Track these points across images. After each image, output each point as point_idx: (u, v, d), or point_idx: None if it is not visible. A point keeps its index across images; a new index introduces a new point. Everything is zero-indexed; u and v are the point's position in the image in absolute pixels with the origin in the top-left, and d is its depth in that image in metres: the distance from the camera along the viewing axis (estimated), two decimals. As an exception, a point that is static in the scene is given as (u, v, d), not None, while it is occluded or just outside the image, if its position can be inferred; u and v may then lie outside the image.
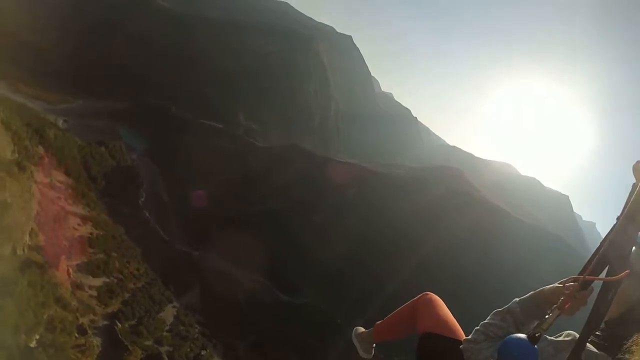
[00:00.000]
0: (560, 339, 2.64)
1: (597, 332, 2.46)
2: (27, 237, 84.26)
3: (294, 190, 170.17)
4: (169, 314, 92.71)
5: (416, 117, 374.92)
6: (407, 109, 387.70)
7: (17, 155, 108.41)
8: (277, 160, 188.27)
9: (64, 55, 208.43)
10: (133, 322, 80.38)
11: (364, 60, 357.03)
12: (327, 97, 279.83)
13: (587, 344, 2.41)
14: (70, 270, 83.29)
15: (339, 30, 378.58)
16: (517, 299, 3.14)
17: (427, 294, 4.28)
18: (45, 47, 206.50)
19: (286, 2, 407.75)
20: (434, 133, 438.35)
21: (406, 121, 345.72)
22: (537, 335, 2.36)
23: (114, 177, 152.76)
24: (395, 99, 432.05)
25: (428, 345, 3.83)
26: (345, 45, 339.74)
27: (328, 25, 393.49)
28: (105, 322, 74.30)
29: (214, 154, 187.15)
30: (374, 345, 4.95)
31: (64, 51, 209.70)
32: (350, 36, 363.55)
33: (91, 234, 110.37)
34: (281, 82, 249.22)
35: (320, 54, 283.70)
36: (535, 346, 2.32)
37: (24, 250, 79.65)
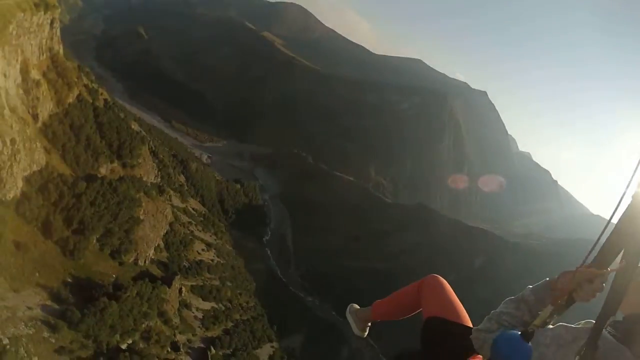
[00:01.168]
0: (579, 326, 2.56)
1: (616, 326, 2.35)
2: (151, 251, 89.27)
3: (418, 252, 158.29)
4: (265, 352, 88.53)
5: (556, 181, 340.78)
6: (546, 170, 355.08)
7: (159, 179, 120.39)
8: (404, 218, 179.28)
9: (221, 102, 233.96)
10: (228, 352, 77.79)
11: (500, 117, 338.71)
12: (461, 156, 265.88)
13: (606, 334, 2.32)
14: (184, 289, 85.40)
15: (473, 86, 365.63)
16: (530, 287, 3.01)
17: (433, 276, 4.02)
18: (206, 94, 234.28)
19: (420, 60, 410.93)
20: (576, 199, 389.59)
21: (545, 185, 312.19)
22: (530, 331, 2.27)
23: (245, 213, 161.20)
24: (534, 159, 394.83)
25: (434, 329, 3.65)
26: (480, 102, 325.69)
27: (462, 81, 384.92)
28: (202, 345, 73.08)
29: (342, 206, 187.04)
30: (370, 324, 4.65)
31: (221, 99, 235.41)
32: (485, 92, 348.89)
33: (212, 260, 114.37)
34: (415, 139, 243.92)
35: (454, 111, 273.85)
36: (530, 343, 2.24)
37: (145, 262, 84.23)
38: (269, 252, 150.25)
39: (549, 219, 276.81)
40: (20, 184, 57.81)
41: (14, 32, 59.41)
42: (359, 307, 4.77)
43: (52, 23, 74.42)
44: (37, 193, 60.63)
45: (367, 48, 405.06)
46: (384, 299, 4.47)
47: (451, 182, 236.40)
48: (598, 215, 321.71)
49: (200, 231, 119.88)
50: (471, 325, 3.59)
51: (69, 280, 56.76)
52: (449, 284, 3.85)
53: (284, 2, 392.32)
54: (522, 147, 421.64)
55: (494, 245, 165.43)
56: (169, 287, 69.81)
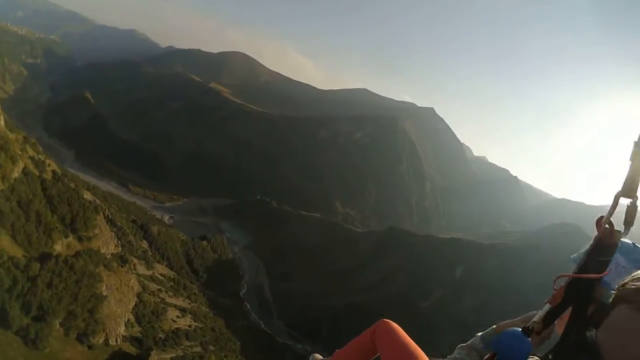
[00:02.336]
0: None
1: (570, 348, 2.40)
2: (121, 328, 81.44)
3: (399, 275, 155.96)
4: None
5: (516, 176, 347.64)
6: (504, 169, 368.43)
7: (120, 249, 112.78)
8: (378, 244, 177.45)
9: (176, 159, 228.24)
10: None
11: (450, 129, 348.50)
12: (421, 174, 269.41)
13: None
14: (163, 364, 77.95)
15: (420, 105, 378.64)
16: (479, 334, 3.24)
17: (384, 321, 4.08)
18: (160, 152, 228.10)
19: (365, 89, 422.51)
20: (537, 189, 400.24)
21: (506, 183, 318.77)
22: (530, 328, 2.49)
23: (216, 270, 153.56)
24: (490, 161, 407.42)
25: None
26: (429, 118, 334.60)
27: (409, 102, 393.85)
28: None
29: (314, 244, 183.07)
30: None
31: (176, 156, 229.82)
32: (432, 108, 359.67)
33: (190, 326, 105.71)
34: (374, 165, 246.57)
35: (407, 132, 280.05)
36: (529, 339, 2.45)
37: (117, 340, 76.44)
38: (248, 306, 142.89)
39: (517, 213, 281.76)
40: (-35, 274, 51.25)
41: (-57, 109, 54.16)
42: (321, 358, 4.79)
43: (-14, 96, 69.20)
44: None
45: (314, 85, 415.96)
46: (342, 348, 4.48)
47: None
48: (563, 198, 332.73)
49: (171, 297, 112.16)
50: None
51: (33, 374, 49.83)
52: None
53: (228, 52, 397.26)
54: (477, 152, 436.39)
55: (471, 251, 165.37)
56: (147, 364, 62.85)
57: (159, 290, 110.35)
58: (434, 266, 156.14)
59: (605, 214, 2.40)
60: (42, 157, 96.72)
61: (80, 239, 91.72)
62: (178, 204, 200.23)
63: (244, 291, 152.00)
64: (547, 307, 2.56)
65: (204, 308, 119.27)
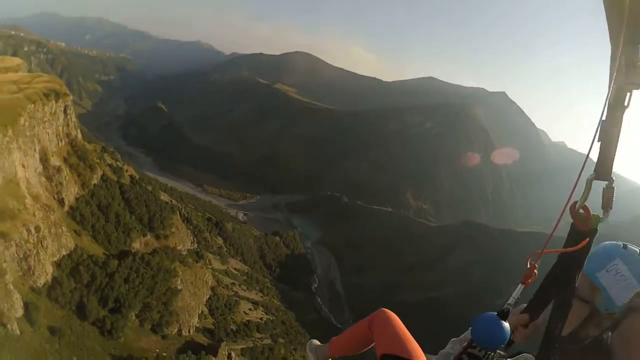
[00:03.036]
0: None
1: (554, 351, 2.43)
2: (195, 320, 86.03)
3: (473, 272, 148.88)
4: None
5: None
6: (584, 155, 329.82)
7: (196, 245, 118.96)
8: (452, 239, 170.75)
9: (248, 159, 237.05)
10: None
11: (524, 114, 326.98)
12: (496, 163, 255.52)
13: None
14: (234, 354, 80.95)
15: (490, 90, 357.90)
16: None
17: (383, 311, 4.03)
18: (233, 153, 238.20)
19: (432, 77, 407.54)
20: (623, 177, 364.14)
21: (588, 170, 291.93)
22: (505, 310, 2.40)
23: (288, 265, 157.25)
24: (569, 146, 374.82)
25: None
26: (501, 103, 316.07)
27: (478, 88, 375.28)
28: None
29: (387, 239, 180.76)
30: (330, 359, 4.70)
31: (248, 156, 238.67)
32: (504, 92, 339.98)
33: (261, 318, 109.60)
34: (446, 156, 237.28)
35: (478, 119, 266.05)
36: (507, 322, 2.38)
37: (189, 331, 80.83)
38: (319, 300, 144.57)
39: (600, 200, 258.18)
40: (50, 269, 56.74)
41: (27, 124, 60.38)
42: (319, 344, 4.77)
43: (65, 110, 76.23)
44: (68, 277, 59.36)
45: (379, 78, 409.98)
46: (339, 335, 4.46)
47: (463, 160, 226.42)
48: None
49: (245, 291, 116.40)
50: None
51: (108, 361, 54.02)
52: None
53: (290, 53, 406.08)
54: (554, 138, 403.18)
55: (551, 246, 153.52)
56: (215, 356, 65.48)
57: (233, 284, 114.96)
58: (511, 262, 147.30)
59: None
60: (119, 163, 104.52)
61: (157, 237, 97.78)
62: (251, 202, 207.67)
63: (316, 285, 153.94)
64: (519, 287, 2.45)
65: (275, 301, 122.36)
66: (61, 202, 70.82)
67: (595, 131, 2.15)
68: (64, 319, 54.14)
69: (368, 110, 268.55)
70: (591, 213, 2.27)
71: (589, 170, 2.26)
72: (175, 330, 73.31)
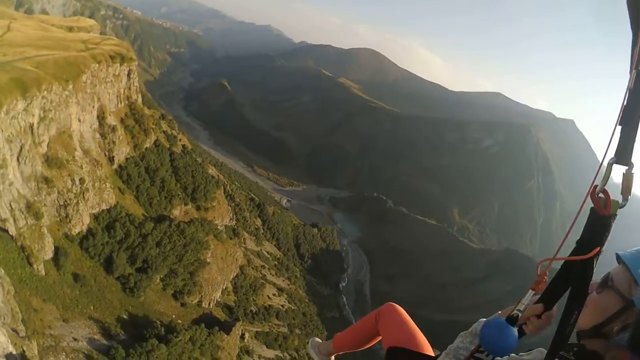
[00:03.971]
0: (529, 357, 2.62)
1: (567, 348, 2.39)
2: (217, 294, 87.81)
3: (508, 302, 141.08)
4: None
5: None
6: None
7: (235, 222, 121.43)
8: (492, 265, 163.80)
9: (302, 148, 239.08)
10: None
11: (591, 147, 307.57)
12: (552, 193, 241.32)
13: None
14: (247, 335, 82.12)
15: (558, 115, 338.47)
16: (483, 319, 3.10)
17: (390, 304, 4.13)
18: (288, 140, 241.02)
19: (499, 93, 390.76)
20: None
21: None
22: (514, 316, 2.39)
23: (321, 258, 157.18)
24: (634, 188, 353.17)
25: (396, 359, 3.75)
26: (567, 131, 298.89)
27: (546, 112, 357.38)
28: (258, 398, 68.38)
29: (424, 251, 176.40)
30: (333, 356, 4.79)
31: (302, 145, 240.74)
32: (572, 120, 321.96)
33: (283, 305, 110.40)
34: (500, 177, 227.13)
35: (540, 143, 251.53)
36: (514, 327, 2.37)
37: (209, 304, 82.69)
38: (344, 299, 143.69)
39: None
40: (86, 220, 59.69)
41: (88, 81, 63.60)
42: (321, 341, 4.87)
43: (129, 74, 79.68)
44: (103, 230, 62.27)
45: (444, 85, 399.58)
46: (344, 331, 4.52)
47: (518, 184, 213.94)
48: None
49: (273, 275, 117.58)
50: (432, 354, 3.66)
51: (125, 317, 56.15)
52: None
53: (357, 48, 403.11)
54: (616, 178, 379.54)
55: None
56: (227, 334, 66.47)
57: (262, 266, 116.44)
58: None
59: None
60: (175, 132, 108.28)
61: (198, 208, 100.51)
62: (297, 190, 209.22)
63: (344, 284, 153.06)
64: (530, 293, 2.42)
65: (301, 292, 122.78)
66: (111, 159, 74.30)
67: (617, 115, 2.11)
68: (90, 269, 56.86)
69: (428, 116, 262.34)
70: (611, 198, 2.21)
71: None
72: (196, 300, 75.24)
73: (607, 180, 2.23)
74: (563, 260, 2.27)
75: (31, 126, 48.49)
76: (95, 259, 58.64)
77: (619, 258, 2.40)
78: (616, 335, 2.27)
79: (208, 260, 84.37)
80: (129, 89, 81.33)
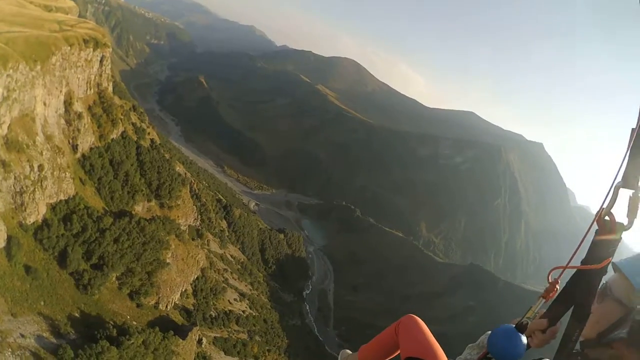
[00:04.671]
0: None
1: (571, 357, 2.43)
2: (176, 296, 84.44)
3: (469, 316, 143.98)
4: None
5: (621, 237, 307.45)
6: None
7: (199, 223, 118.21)
8: (456, 279, 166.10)
9: (274, 151, 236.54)
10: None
11: (557, 171, 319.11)
12: (518, 213, 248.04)
13: None
14: (205, 341, 79.40)
15: (528, 138, 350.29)
16: (490, 332, 3.12)
17: (409, 316, 4.22)
18: (261, 142, 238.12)
19: (473, 112, 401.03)
20: None
21: None
22: (524, 324, 2.42)
23: (286, 265, 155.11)
24: (593, 212, 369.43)
25: None
26: (536, 154, 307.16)
27: (517, 133, 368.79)
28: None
29: (390, 263, 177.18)
30: None
31: (275, 148, 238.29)
32: (541, 143, 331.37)
33: (243, 311, 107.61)
34: (469, 194, 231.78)
35: (510, 164, 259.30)
36: (523, 335, 2.39)
37: (167, 306, 79.48)
38: (307, 307, 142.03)
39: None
40: (42, 210, 56.30)
41: (58, 64, 60.38)
42: (350, 352, 4.98)
43: (102, 60, 76.38)
44: (59, 222, 58.83)
45: (420, 102, 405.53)
46: (368, 343, 4.63)
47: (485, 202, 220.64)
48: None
49: (235, 280, 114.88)
50: None
51: (76, 314, 52.98)
52: None
53: (338, 57, 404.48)
54: (580, 201, 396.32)
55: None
56: (184, 339, 63.91)
57: (225, 270, 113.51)
58: (508, 316, 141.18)
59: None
60: (145, 125, 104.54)
61: (161, 206, 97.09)
62: (266, 194, 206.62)
63: (308, 292, 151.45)
64: (540, 301, 2.46)
65: (263, 298, 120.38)
66: (74, 148, 70.66)
67: (629, 140, 2.15)
68: (43, 262, 53.48)
69: (402, 130, 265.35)
70: (616, 221, 2.25)
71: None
72: (153, 302, 72.11)
73: (613, 205, 2.25)
74: (573, 270, 2.31)
75: (-10, 105, 45.27)
76: (49, 251, 55.23)
77: (615, 267, 2.44)
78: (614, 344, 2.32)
79: (168, 260, 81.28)
80: (100, 76, 77.90)
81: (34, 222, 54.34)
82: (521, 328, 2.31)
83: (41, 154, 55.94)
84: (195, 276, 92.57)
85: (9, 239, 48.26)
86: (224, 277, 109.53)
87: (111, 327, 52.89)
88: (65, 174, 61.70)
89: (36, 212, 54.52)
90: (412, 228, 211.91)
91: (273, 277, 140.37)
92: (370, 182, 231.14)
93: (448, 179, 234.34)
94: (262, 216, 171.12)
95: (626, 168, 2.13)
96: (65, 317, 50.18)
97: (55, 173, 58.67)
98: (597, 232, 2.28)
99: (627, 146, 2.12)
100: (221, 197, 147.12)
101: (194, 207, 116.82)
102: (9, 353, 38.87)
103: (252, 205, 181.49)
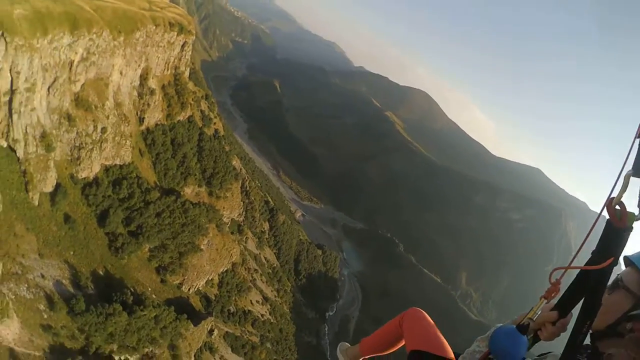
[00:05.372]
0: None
1: (581, 350, 2.48)
2: (201, 282, 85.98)
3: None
4: None
5: None
6: None
7: (243, 219, 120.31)
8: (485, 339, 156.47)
9: (331, 167, 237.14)
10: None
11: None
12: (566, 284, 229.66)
13: None
14: (216, 332, 79.78)
15: (591, 208, 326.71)
16: (499, 324, 3.19)
17: (414, 309, 4.23)
18: (320, 156, 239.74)
19: (539, 170, 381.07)
20: None
21: None
22: (525, 324, 2.48)
23: (316, 281, 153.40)
24: None
25: None
26: (597, 228, 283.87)
27: (580, 201, 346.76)
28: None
29: (421, 306, 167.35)
30: None
31: (332, 164, 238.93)
32: (605, 216, 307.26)
33: (262, 315, 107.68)
34: (518, 254, 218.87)
35: (568, 232, 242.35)
36: (525, 336, 2.44)
37: (189, 290, 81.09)
38: (326, 329, 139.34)
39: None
40: (96, 168, 59.57)
41: (140, 40, 64.36)
42: (349, 345, 4.99)
43: (183, 46, 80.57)
44: (109, 184, 61.96)
45: (487, 147, 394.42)
46: (370, 335, 4.67)
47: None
48: None
49: (263, 282, 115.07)
50: (453, 358, 3.76)
51: (100, 272, 55.14)
52: None
53: (412, 87, 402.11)
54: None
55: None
56: (195, 325, 64.56)
57: (255, 270, 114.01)
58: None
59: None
60: (212, 115, 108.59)
61: (210, 194, 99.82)
62: (314, 207, 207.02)
63: (331, 314, 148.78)
64: (542, 302, 2.54)
65: (285, 307, 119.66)
66: (141, 120, 74.61)
67: (637, 128, 2.11)
68: (84, 216, 56.34)
69: (463, 173, 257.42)
70: (627, 210, 2.23)
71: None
72: (178, 281, 73.69)
73: (623, 194, 2.21)
74: (577, 270, 2.29)
75: (71, 63, 48.94)
76: (92, 208, 58.23)
77: (627, 260, 2.53)
78: (628, 333, 2.31)
79: (202, 246, 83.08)
80: (179, 59, 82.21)
81: (84, 178, 57.58)
82: (522, 329, 2.34)
83: (107, 117, 59.49)
84: (225, 269, 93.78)
85: (58, 186, 51.36)
86: (252, 277, 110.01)
87: (129, 293, 54.47)
88: (126, 142, 65.17)
89: (89, 169, 57.77)
90: (452, 276, 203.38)
91: (301, 289, 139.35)
92: (419, 219, 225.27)
93: (500, 233, 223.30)
94: (305, 228, 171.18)
95: (637, 156, 2.08)
96: (89, 271, 52.37)
97: (116, 138, 62.12)
98: (607, 222, 2.25)
99: (636, 132, 2.07)
100: (270, 200, 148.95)
101: (242, 202, 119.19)
102: (25, 288, 40.93)
103: (298, 214, 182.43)
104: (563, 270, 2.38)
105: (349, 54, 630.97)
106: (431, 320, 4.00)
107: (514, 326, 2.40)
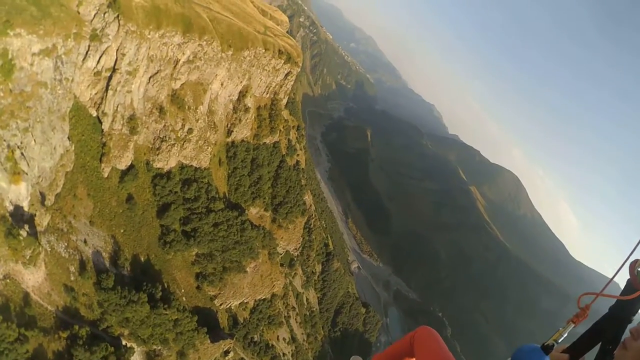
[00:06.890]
0: None
1: None
2: (235, 302, 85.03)
3: None
4: None
5: None
6: None
7: (297, 254, 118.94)
8: None
9: (400, 229, 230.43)
10: None
11: None
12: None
13: None
14: (232, 355, 77.58)
15: None
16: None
17: (425, 327, 4.19)
18: (393, 214, 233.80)
19: (617, 284, 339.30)
20: None
21: None
22: (550, 345, 2.47)
23: (351, 338, 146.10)
24: None
25: None
26: None
27: None
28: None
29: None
30: None
31: (402, 227, 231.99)
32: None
33: (284, 354, 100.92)
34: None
35: None
36: (548, 356, 2.44)
37: (221, 305, 79.78)
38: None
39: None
40: (172, 163, 62.59)
41: (248, 59, 67.90)
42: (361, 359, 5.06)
43: (287, 74, 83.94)
44: (179, 181, 64.66)
45: (567, 247, 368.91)
46: (382, 352, 4.66)
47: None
48: None
49: (296, 322, 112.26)
50: None
51: (141, 259, 56.68)
52: None
53: (502, 167, 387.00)
54: None
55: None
56: (212, 342, 63.63)
57: (293, 308, 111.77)
58: None
59: None
60: (299, 146, 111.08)
61: (273, 220, 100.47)
62: (372, 263, 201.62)
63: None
64: (570, 326, 2.54)
65: (310, 355, 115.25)
66: (229, 132, 78.04)
67: None
68: (145, 202, 58.88)
69: (535, 269, 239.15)
70: None
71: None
72: (212, 293, 73.85)
73: None
74: (603, 298, 2.37)
75: (176, 61, 52.56)
76: (156, 197, 60.81)
77: None
78: None
79: (247, 269, 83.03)
80: (280, 86, 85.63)
81: (159, 168, 60.61)
82: (547, 349, 2.33)
83: (197, 120, 62.79)
84: (263, 297, 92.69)
85: (131, 167, 54.38)
86: (287, 314, 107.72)
87: (160, 288, 55.20)
88: (208, 148, 68.13)
89: (165, 161, 60.77)
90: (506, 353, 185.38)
91: (332, 342, 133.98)
92: (477, 306, 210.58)
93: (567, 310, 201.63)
94: (356, 281, 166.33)
95: None
96: (131, 254, 54.06)
97: (199, 142, 65.16)
98: (627, 282, 2.28)
99: None
100: (330, 244, 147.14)
101: (301, 238, 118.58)
102: (63, 246, 42.75)
103: (353, 266, 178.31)
104: (593, 296, 2.32)
105: (446, 120, 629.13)
106: (441, 340, 3.84)
107: (539, 346, 2.37)
